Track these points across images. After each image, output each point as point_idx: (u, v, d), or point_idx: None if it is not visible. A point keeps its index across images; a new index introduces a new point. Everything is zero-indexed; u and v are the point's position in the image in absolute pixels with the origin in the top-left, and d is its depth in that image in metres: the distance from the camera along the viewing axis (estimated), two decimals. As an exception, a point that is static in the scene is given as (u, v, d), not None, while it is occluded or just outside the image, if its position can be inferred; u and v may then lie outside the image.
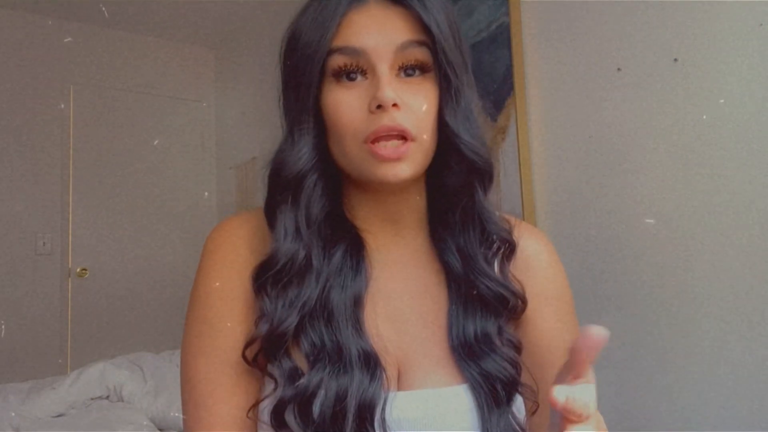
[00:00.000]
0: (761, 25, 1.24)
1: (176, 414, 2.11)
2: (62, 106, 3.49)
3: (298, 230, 0.58)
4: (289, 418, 0.53)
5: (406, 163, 0.56)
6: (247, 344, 0.56)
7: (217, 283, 0.60)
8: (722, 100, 1.31)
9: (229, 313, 0.59)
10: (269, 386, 0.57)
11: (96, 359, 2.42)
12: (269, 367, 0.57)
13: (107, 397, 2.24)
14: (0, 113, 3.33)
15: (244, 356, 0.56)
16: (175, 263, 3.69)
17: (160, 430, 2.08)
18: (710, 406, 1.31)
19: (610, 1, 1.54)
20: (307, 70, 0.58)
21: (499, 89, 1.82)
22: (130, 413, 2.08)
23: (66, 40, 3.45)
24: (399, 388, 0.58)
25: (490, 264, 0.63)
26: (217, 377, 0.57)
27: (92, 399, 2.20)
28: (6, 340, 3.20)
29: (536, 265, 0.67)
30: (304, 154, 0.59)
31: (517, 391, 0.59)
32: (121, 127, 3.71)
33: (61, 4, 3.38)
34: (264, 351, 0.56)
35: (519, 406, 0.60)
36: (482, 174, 0.62)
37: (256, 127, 3.51)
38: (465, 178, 0.61)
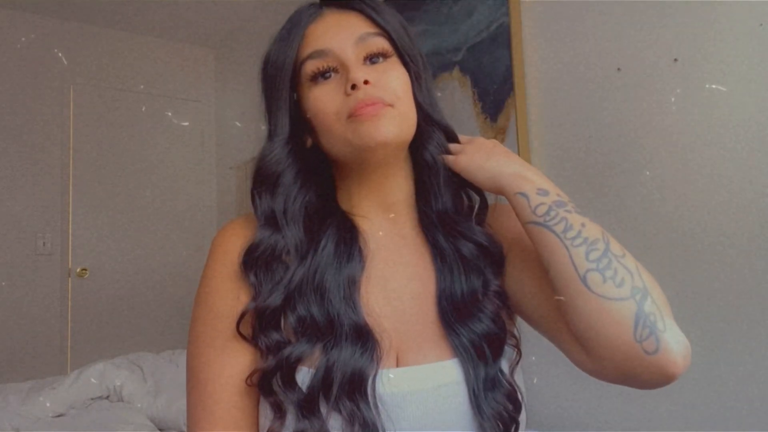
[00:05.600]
0: (761, 25, 1.24)
1: (176, 414, 2.11)
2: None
3: (275, 219, 0.65)
4: (276, 386, 0.57)
5: (388, 120, 0.61)
6: (239, 319, 0.61)
7: (221, 283, 0.63)
8: (722, 100, 1.31)
9: (231, 311, 0.62)
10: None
11: (96, 359, 2.42)
12: (258, 340, 0.60)
13: (107, 397, 2.24)
14: (0, 113, 3.34)
15: (238, 330, 0.60)
16: (174, 263, 3.69)
17: (160, 430, 2.08)
18: (710, 406, 1.31)
19: (610, 1, 1.54)
20: (278, 79, 0.65)
21: (499, 89, 1.81)
22: (130, 413, 2.08)
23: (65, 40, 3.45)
24: (398, 366, 0.60)
25: (468, 223, 0.67)
26: (222, 365, 0.60)
27: (92, 399, 2.20)
28: (6, 340, 3.20)
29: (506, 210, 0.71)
30: (277, 154, 0.66)
31: (503, 346, 0.62)
32: (121, 127, 3.70)
33: (61, 4, 3.38)
34: (255, 327, 0.60)
35: (509, 355, 0.64)
36: (446, 136, 0.69)
37: (256, 127, 3.51)
38: (436, 146, 0.68)
